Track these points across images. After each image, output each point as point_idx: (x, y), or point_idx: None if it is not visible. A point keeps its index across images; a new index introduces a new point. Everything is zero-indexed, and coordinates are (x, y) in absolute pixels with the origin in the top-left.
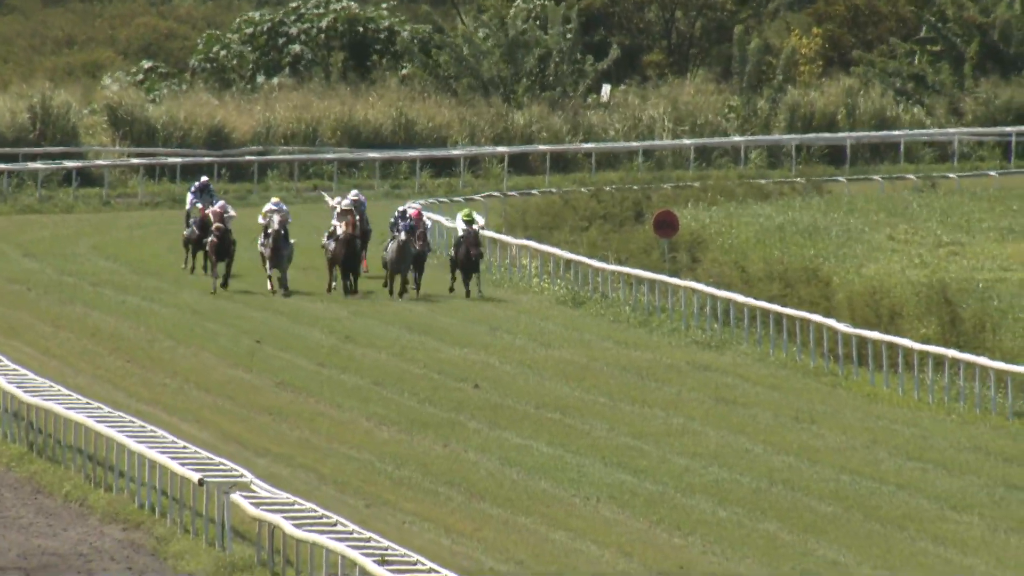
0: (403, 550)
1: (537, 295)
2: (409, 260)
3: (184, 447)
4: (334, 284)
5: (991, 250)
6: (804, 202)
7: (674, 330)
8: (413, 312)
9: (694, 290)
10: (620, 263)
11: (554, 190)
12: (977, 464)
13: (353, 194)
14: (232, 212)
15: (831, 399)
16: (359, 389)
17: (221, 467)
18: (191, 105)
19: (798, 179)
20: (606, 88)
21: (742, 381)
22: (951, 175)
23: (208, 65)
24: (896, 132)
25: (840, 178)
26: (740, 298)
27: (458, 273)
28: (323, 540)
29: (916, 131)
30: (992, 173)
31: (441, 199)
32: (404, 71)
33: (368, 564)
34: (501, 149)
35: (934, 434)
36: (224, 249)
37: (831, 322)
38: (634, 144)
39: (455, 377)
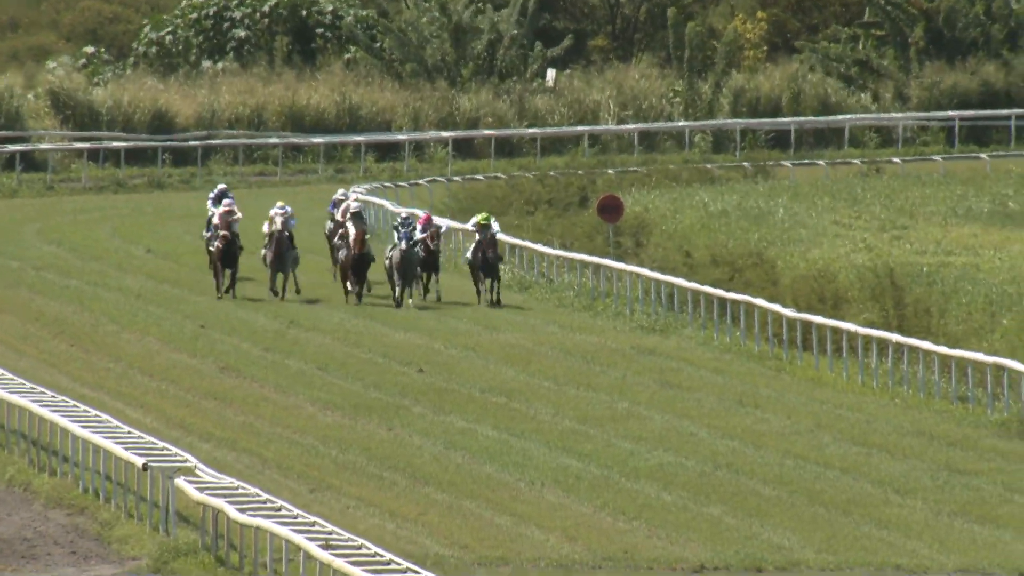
0: (347, 534)
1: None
2: (415, 268)
3: (128, 432)
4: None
5: (935, 234)
6: (749, 187)
7: (619, 314)
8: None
9: (639, 275)
10: (565, 248)
11: (499, 175)
12: (921, 448)
13: (339, 194)
14: (238, 214)
15: (775, 383)
16: (303, 374)
17: (165, 452)
18: (135, 89)
19: (743, 164)
20: (551, 73)
21: (687, 365)
22: (896, 160)
23: (152, 49)
24: (841, 117)
25: (785, 163)
26: (684, 283)
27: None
28: (267, 524)
29: (861, 116)
30: (936, 158)
31: (385, 184)
32: (348, 55)
33: (312, 548)
34: (446, 134)
35: (878, 418)
36: (231, 256)
37: (776, 307)
38: (579, 129)
39: (400, 361)
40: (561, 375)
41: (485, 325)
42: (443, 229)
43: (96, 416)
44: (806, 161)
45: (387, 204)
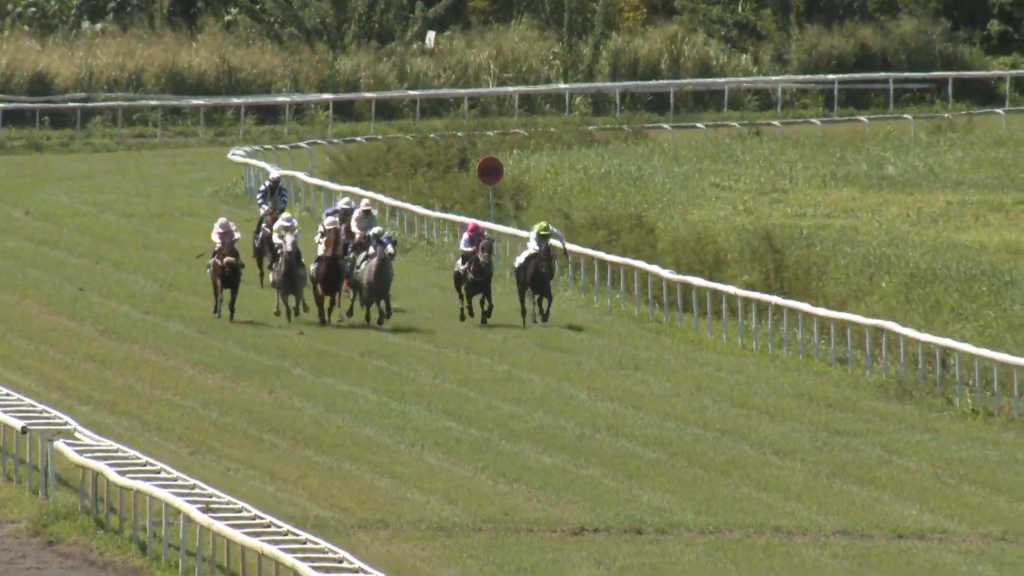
0: (228, 497)
1: None
2: (387, 284)
3: (7, 395)
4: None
5: (814, 197)
6: (629, 149)
7: (499, 277)
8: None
9: (519, 236)
10: (445, 210)
11: (379, 137)
12: (800, 410)
13: (344, 202)
14: (237, 234)
15: (655, 346)
16: (183, 336)
17: (44, 415)
18: (13, 51)
19: (623, 126)
20: (431, 35)
21: (566, 328)
22: (775, 122)
23: (30, 10)
24: (720, 80)
25: (664, 125)
26: (575, 246)
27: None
28: (147, 487)
29: (740, 79)
30: (815, 121)
31: (266, 146)
32: (229, 17)
33: (193, 512)
34: (326, 96)
35: (757, 380)
36: (235, 279)
37: (655, 269)
38: (459, 91)
39: (280, 324)
40: (441, 338)
41: None
42: (496, 241)
43: None
44: (685, 124)
45: (268, 167)
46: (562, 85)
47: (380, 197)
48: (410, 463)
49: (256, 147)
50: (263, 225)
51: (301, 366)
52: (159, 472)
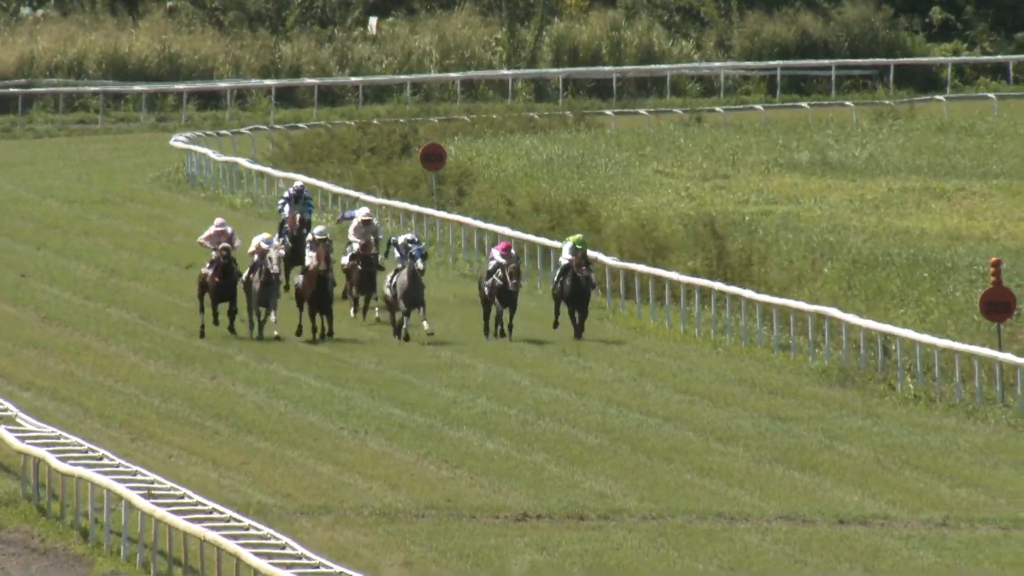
0: (170, 483)
1: None
2: (421, 293)
3: None
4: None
5: (757, 183)
6: (572, 136)
7: (441, 263)
8: (180, 246)
9: (461, 223)
10: (387, 196)
11: (322, 123)
12: (742, 396)
13: (363, 212)
14: (238, 241)
15: (598, 332)
16: (125, 323)
17: None
18: None
19: (565, 112)
20: (373, 20)
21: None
22: (717, 109)
23: None
24: (663, 66)
25: (607, 111)
26: (507, 231)
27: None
28: (89, 474)
29: (683, 65)
30: (758, 107)
31: (208, 132)
32: (170, 3)
33: (134, 498)
34: (268, 82)
35: (700, 367)
36: (229, 289)
37: (598, 255)
38: (402, 77)
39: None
40: (384, 325)
41: None
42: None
43: None
44: (628, 110)
45: (210, 152)
46: (504, 71)
47: (322, 184)
48: (353, 449)
49: (198, 133)
50: (285, 231)
51: (244, 352)
52: (101, 458)
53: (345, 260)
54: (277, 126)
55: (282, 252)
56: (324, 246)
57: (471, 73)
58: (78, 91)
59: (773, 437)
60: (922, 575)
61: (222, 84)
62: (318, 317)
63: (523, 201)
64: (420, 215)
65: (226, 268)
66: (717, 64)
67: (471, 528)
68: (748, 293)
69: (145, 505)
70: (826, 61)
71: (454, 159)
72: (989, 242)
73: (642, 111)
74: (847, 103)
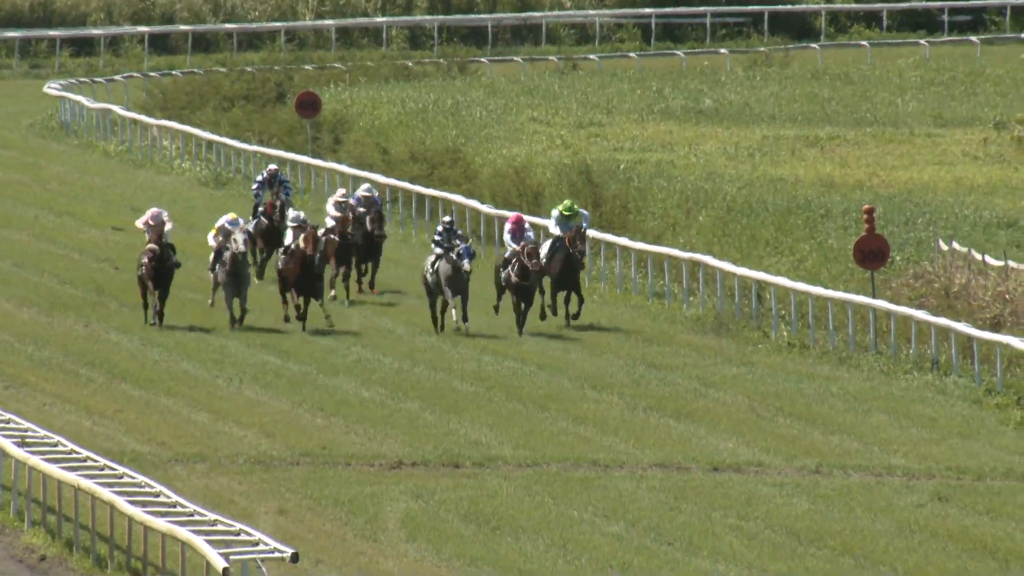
0: (44, 431)
1: (178, 176)
2: (465, 284)
3: None
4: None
5: (631, 131)
6: (446, 83)
7: (317, 210)
8: (54, 193)
9: (337, 171)
10: (263, 144)
11: (196, 71)
12: (617, 344)
13: (364, 188)
14: (169, 223)
15: (472, 280)
16: None
17: None
18: None
19: (440, 60)
20: None
21: (384, 261)
22: (592, 57)
23: None
24: (538, 13)
25: (482, 59)
26: (382, 179)
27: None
28: None
29: (558, 12)
30: (632, 55)
31: (82, 79)
32: None
33: (8, 446)
34: (141, 29)
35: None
36: (163, 275)
37: (473, 203)
38: (276, 25)
39: (96, 258)
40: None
41: (182, 223)
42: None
43: None
44: (503, 58)
45: (84, 100)
46: (379, 19)
47: (197, 131)
48: (228, 397)
49: (72, 80)
50: (260, 213)
51: (117, 300)
52: None
53: (320, 233)
54: (151, 73)
55: (249, 230)
56: (313, 233)
57: (346, 21)
58: None
59: (648, 385)
60: (796, 522)
61: (95, 31)
62: (301, 299)
63: (399, 149)
64: (295, 163)
65: (160, 256)
66: (592, 12)
67: (346, 476)
68: (623, 241)
69: (18, 453)
70: (700, 8)
71: (329, 107)
72: (862, 190)
73: (517, 59)
74: (721, 51)
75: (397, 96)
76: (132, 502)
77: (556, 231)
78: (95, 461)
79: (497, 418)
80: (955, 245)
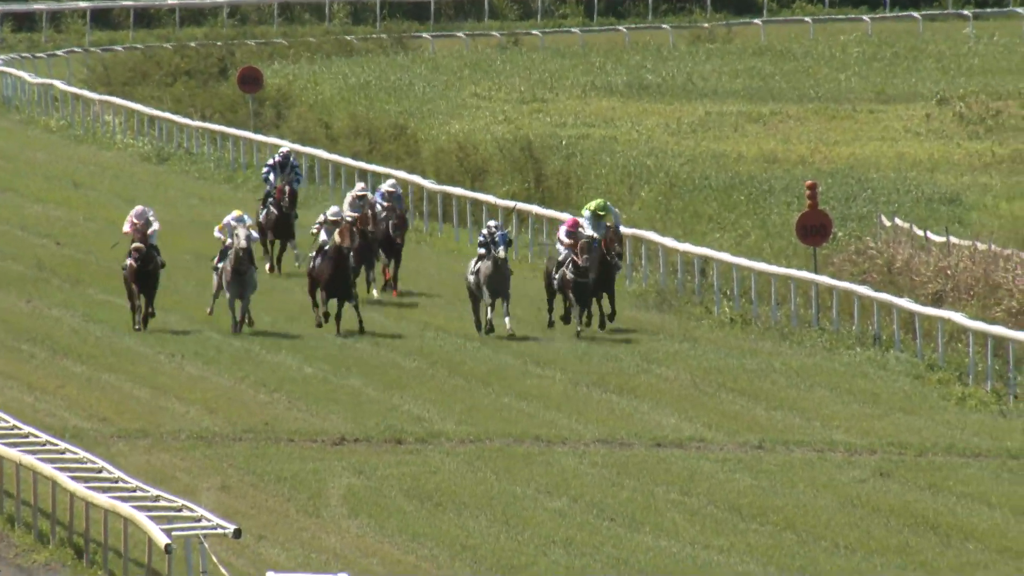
0: None
1: (121, 151)
2: (507, 284)
3: None
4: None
5: (574, 107)
6: (389, 59)
7: (258, 186)
8: None
9: (279, 146)
10: (205, 119)
11: (138, 46)
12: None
13: (388, 184)
14: (155, 224)
15: (416, 256)
16: None
17: None
18: None
19: (383, 35)
20: None
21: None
22: (535, 32)
23: None
24: None
25: (425, 35)
26: (324, 154)
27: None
28: None
29: None
30: (575, 30)
31: (23, 54)
32: None
33: None
34: (83, 4)
35: (517, 290)
36: (148, 275)
37: (416, 178)
38: (219, 0)
39: (38, 234)
40: (203, 248)
41: (124, 198)
42: (596, 243)
43: None
44: (446, 33)
45: (25, 75)
46: None
47: (139, 107)
48: (170, 373)
49: (13, 55)
50: (270, 203)
51: (59, 276)
52: None
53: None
54: (93, 48)
55: (253, 234)
56: (350, 225)
57: None
58: None
59: (590, 361)
60: (738, 497)
61: (37, 6)
62: (334, 303)
63: (341, 124)
64: (237, 138)
65: (145, 257)
66: None
67: (289, 452)
68: (566, 216)
69: None
70: None
71: (271, 82)
72: (805, 165)
73: (460, 34)
74: (664, 26)
75: (339, 71)
76: (74, 478)
77: (591, 232)
78: (37, 437)
79: (440, 394)
80: (897, 221)
